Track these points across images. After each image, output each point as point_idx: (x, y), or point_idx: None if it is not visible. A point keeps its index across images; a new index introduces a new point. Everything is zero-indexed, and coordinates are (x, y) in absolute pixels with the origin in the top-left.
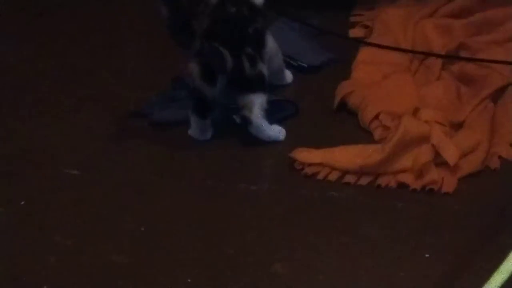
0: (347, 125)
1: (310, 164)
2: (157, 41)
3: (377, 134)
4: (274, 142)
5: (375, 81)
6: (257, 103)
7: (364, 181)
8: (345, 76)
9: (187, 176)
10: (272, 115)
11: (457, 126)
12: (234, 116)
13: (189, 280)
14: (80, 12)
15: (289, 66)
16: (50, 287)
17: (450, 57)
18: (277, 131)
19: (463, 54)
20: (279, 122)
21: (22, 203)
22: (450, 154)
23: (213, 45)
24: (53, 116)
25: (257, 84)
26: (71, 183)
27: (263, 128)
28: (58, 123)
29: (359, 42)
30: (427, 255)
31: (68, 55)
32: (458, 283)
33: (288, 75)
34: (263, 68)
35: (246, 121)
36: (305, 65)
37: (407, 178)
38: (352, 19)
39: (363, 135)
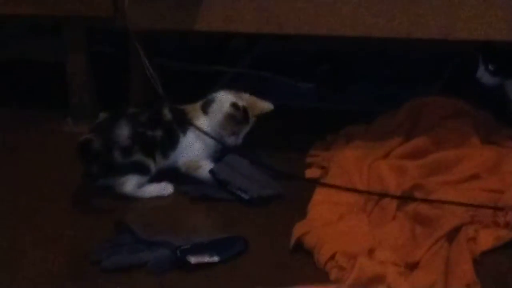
0: (304, 265)
1: None
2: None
3: (333, 274)
4: (229, 284)
5: (331, 221)
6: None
7: None
8: (301, 215)
9: None
10: (221, 253)
11: (412, 266)
12: (187, 257)
13: None
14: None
15: (239, 199)
16: None
17: (404, 198)
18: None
19: (417, 194)
20: (228, 260)
21: None
22: None
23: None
24: (3, 259)
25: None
26: None
27: (141, 197)
28: (8, 266)
29: (315, 182)
30: None
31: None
32: None
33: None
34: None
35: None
36: (255, 195)
37: None
38: (308, 159)
39: (320, 275)
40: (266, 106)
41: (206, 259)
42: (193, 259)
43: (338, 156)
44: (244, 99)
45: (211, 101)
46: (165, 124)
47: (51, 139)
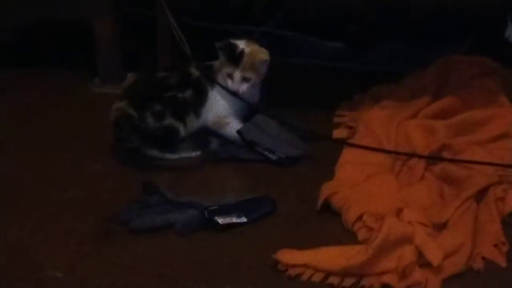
0: (331, 226)
1: (294, 266)
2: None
3: (361, 235)
4: (257, 245)
5: (359, 181)
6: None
7: (348, 282)
8: (328, 176)
9: (168, 281)
10: (248, 214)
11: (441, 227)
12: (215, 218)
13: None
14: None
15: (267, 159)
16: None
17: (432, 158)
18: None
19: (445, 154)
20: (256, 221)
21: None
22: (433, 255)
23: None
24: (36, 219)
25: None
26: (55, 286)
27: (169, 158)
28: (41, 225)
29: (342, 143)
30: None
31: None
32: None
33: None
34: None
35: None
36: (283, 156)
37: (391, 279)
38: (336, 119)
39: (347, 236)
40: (262, 55)
41: (234, 219)
42: (221, 220)
43: (366, 116)
44: (249, 47)
45: None
46: (193, 82)
47: (79, 99)
